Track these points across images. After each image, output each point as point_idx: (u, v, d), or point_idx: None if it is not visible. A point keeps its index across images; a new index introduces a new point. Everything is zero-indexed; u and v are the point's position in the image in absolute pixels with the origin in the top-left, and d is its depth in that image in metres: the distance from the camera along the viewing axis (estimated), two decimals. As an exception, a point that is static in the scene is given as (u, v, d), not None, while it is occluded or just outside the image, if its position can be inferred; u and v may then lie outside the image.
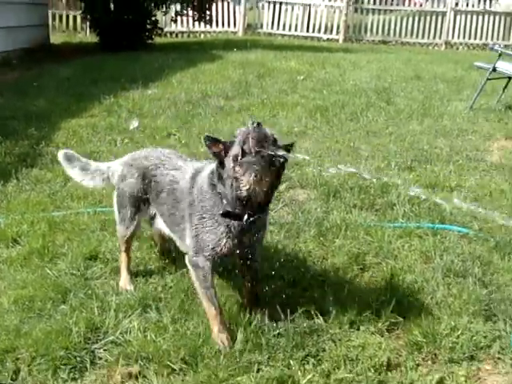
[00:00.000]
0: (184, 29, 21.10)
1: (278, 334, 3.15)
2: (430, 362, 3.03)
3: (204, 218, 3.13)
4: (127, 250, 3.75)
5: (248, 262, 3.32)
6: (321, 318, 3.28)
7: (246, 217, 2.98)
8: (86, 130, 7.26)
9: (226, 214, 3.01)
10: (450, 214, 4.72)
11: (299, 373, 2.87)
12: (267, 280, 3.58)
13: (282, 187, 5.26)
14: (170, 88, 9.99)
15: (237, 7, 21.69)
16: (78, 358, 2.96)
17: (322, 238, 4.22)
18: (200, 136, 6.80)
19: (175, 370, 2.92)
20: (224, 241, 3.09)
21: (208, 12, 18.36)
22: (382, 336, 3.22)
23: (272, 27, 21.78)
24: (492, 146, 7.11)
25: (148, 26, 16.18)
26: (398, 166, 5.90)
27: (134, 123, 7.43)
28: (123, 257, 3.73)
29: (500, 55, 9.24)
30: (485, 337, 3.18)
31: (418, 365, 3.01)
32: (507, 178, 5.75)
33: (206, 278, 3.15)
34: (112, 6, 15.17)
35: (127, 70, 11.32)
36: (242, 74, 11.43)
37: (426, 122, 8.08)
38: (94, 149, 6.47)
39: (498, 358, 3.08)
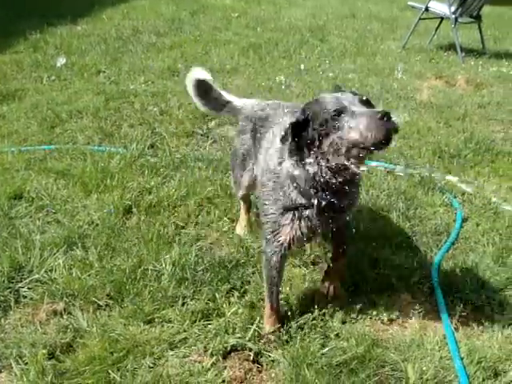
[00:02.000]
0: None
1: (205, 268, 3.17)
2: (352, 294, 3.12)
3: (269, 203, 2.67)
4: (245, 203, 3.58)
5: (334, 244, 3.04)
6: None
7: (315, 202, 2.50)
8: (10, 66, 7.01)
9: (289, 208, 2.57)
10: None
11: (224, 305, 2.90)
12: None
13: (211, 124, 5.23)
14: (100, 24, 9.68)
15: None
16: (2, 297, 2.93)
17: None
18: (130, 73, 6.67)
19: (101, 305, 2.93)
20: (293, 233, 2.62)
21: None
22: (307, 268, 3.28)
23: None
24: (422, 84, 7.18)
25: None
26: (328, 103, 5.90)
27: (61, 60, 7.19)
28: (242, 205, 3.61)
29: (433, -5, 9.28)
30: (406, 268, 3.28)
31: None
32: (435, 116, 5.86)
33: (271, 271, 2.75)
34: None
35: (54, 5, 10.86)
36: (175, 11, 11.16)
37: (358, 61, 8.10)
38: (18, 86, 6.25)
39: (418, 288, 3.20)
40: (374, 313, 2.97)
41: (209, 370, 2.56)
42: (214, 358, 2.63)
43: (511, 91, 7.22)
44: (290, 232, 2.60)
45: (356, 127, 2.22)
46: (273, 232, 2.64)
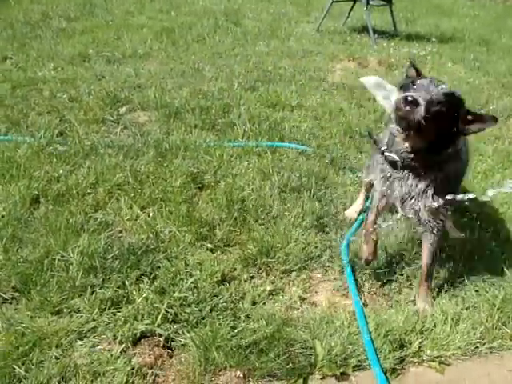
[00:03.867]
0: None
1: (114, 256, 3.10)
2: (264, 274, 3.13)
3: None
4: (366, 191, 3.78)
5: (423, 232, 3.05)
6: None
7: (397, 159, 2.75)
8: None
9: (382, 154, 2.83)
10: (290, 132, 4.81)
11: (134, 292, 2.85)
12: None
13: (122, 110, 5.13)
14: (6, 8, 9.31)
15: None
16: None
17: (161, 159, 4.15)
18: (38, 59, 6.45)
19: (7, 299, 2.82)
20: (379, 188, 3.02)
21: None
22: (221, 252, 3.27)
23: None
24: (335, 66, 7.28)
25: None
26: (240, 86, 5.89)
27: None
28: (362, 190, 3.81)
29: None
30: (316, 247, 3.33)
31: (252, 277, 3.10)
32: (346, 97, 5.94)
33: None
34: None
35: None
36: (87, -6, 10.84)
37: (272, 44, 8.10)
38: None
39: (328, 266, 3.24)
40: (285, 292, 2.99)
41: (118, 357, 2.51)
42: (124, 345, 2.58)
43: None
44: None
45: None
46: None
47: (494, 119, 2.68)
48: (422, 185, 2.79)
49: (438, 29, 10.68)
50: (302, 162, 4.31)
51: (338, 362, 2.55)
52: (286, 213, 3.60)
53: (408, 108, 2.45)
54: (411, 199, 2.85)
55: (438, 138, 2.61)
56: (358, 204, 3.80)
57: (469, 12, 13.79)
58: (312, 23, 9.77)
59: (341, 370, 2.53)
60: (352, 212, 3.75)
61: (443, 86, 2.58)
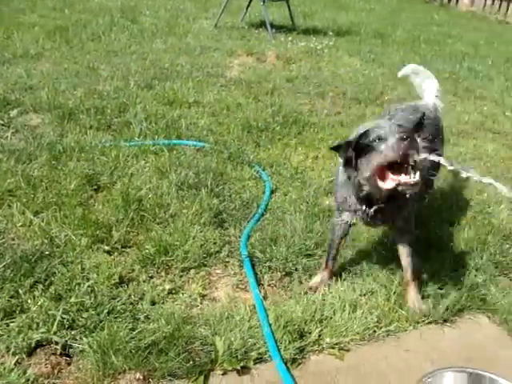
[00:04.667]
0: None
1: (6, 265, 2.98)
2: (163, 273, 3.09)
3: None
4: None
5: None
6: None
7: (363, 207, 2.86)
8: None
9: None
10: (187, 129, 4.77)
11: (29, 300, 2.75)
12: None
13: (13, 113, 4.94)
14: None
15: None
16: None
17: (54, 162, 4.02)
18: None
19: None
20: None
21: None
22: (119, 254, 3.21)
23: None
24: (233, 62, 7.29)
25: None
26: (137, 84, 5.79)
27: None
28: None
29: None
30: (215, 243, 3.32)
31: (151, 277, 3.05)
32: (244, 92, 5.96)
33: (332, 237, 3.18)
34: None
35: None
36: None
37: (170, 41, 8.03)
38: None
39: (227, 262, 3.24)
40: (185, 290, 2.97)
41: (12, 370, 2.40)
42: (18, 356, 2.47)
43: (317, 65, 7.56)
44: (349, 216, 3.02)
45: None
46: (339, 210, 3.07)
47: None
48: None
49: (335, 23, 10.92)
50: (199, 158, 4.29)
51: (239, 356, 2.55)
52: (184, 210, 3.57)
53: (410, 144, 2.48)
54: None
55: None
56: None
57: (365, 6, 14.20)
58: (210, 19, 9.75)
59: (241, 364, 2.53)
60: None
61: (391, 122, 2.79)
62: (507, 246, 3.69)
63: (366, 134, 2.66)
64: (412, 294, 3.07)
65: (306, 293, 3.03)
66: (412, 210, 3.04)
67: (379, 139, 2.56)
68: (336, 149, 2.80)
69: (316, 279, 3.16)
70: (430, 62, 8.62)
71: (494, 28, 13.72)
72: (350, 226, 3.11)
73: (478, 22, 14.34)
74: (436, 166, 3.13)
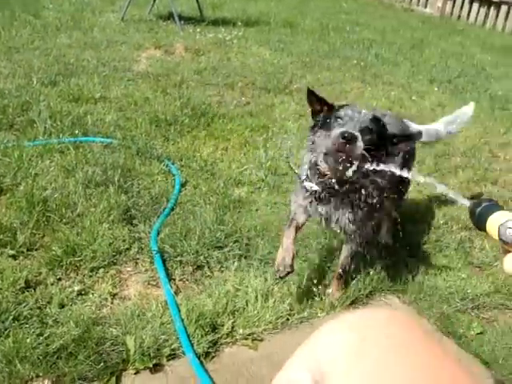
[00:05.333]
0: None
1: None
2: (72, 274, 3.02)
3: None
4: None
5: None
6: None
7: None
8: None
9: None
10: (94, 125, 4.67)
11: None
12: None
13: None
14: None
15: None
16: None
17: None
18: None
19: None
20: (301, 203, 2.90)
21: None
22: (24, 257, 3.11)
23: None
24: (141, 55, 7.16)
25: None
26: (40, 81, 5.60)
27: None
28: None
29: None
30: (124, 240, 3.26)
31: (59, 279, 2.98)
32: (152, 86, 5.88)
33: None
34: None
35: None
36: None
37: (75, 35, 7.79)
38: None
39: (138, 259, 3.20)
40: (95, 290, 2.91)
41: None
42: None
43: (226, 55, 7.54)
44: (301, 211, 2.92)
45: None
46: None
47: (419, 135, 2.96)
48: (346, 202, 2.79)
49: (245, 13, 10.91)
50: (107, 155, 4.20)
51: (151, 354, 2.53)
52: (91, 209, 3.49)
53: (348, 145, 2.40)
54: (336, 216, 2.84)
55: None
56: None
57: (274, -4, 14.26)
58: (117, 12, 9.53)
59: (154, 362, 2.51)
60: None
61: (365, 112, 2.62)
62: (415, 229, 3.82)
63: (341, 107, 2.67)
64: (333, 289, 3.11)
65: (216, 286, 3.02)
66: (370, 219, 2.96)
67: (338, 120, 2.58)
68: (310, 94, 2.75)
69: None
70: (339, 50, 8.79)
71: (399, 15, 14.05)
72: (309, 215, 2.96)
73: (384, 9, 14.64)
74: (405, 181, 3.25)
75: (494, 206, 0.99)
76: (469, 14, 14.09)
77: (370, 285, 3.20)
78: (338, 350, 0.53)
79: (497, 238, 0.90)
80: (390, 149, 2.73)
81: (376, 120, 2.65)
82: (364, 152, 2.45)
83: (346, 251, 3.07)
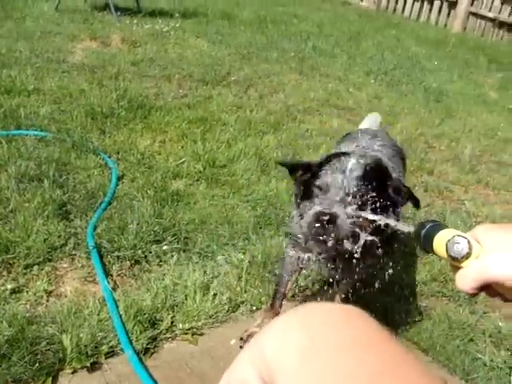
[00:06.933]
0: None
1: None
2: (5, 273, 2.92)
3: None
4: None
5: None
6: None
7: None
8: None
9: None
10: (27, 118, 4.53)
11: None
12: None
13: None
14: None
15: None
16: None
17: None
18: None
19: None
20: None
21: None
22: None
23: None
24: (76, 46, 7.00)
25: None
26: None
27: None
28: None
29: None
30: (59, 236, 3.18)
31: (-9, 278, 2.87)
32: (88, 78, 5.75)
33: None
34: None
35: None
36: None
37: (6, 25, 7.55)
38: None
39: (74, 255, 3.12)
40: (29, 288, 2.83)
41: None
42: None
43: (163, 47, 7.46)
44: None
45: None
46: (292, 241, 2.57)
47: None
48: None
49: (182, 4, 10.81)
50: (41, 148, 4.07)
51: (89, 352, 2.48)
52: (25, 204, 3.39)
53: (328, 226, 1.94)
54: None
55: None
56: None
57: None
58: (51, 2, 9.29)
59: (91, 360, 2.46)
60: None
61: (353, 163, 2.10)
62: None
63: (327, 160, 2.20)
64: None
65: (155, 281, 2.98)
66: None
67: (317, 190, 2.12)
68: (284, 165, 2.44)
69: (257, 322, 2.78)
70: (277, 42, 8.82)
71: (337, 8, 14.21)
72: (302, 268, 2.70)
73: (321, 2, 14.76)
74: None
75: (439, 226, 0.98)
76: (404, 8, 14.36)
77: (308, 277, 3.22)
78: (287, 349, 0.52)
79: (445, 255, 0.90)
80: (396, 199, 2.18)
81: (371, 171, 2.11)
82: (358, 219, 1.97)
83: (341, 290, 2.88)
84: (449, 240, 0.89)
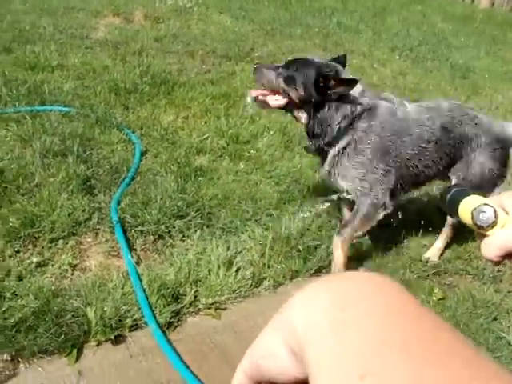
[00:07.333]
0: None
1: None
2: (30, 246, 2.95)
3: None
4: None
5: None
6: None
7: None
8: None
9: None
10: (51, 94, 4.55)
11: None
12: None
13: None
14: None
15: None
16: None
17: None
18: None
19: None
20: None
21: None
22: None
23: None
24: (99, 22, 7.01)
25: None
26: (-8, 48, 5.43)
27: None
28: None
29: None
30: (83, 210, 3.19)
31: (17, 251, 2.90)
32: (111, 54, 5.75)
33: None
34: None
35: None
36: None
37: (30, 1, 7.57)
38: None
39: (98, 229, 3.13)
40: (54, 262, 2.85)
41: None
42: None
43: (186, 23, 7.42)
44: None
45: None
46: None
47: (355, 81, 2.78)
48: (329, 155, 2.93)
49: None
50: (65, 124, 4.09)
51: (113, 325, 2.49)
52: (50, 179, 3.41)
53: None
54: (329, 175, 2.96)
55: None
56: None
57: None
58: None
59: (116, 333, 2.48)
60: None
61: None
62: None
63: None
64: (334, 245, 3.04)
65: (178, 255, 2.99)
66: (365, 173, 2.90)
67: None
68: None
69: None
70: (301, 18, 8.72)
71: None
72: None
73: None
74: None
75: (464, 191, 0.96)
76: (430, -17, 14.10)
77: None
78: (317, 317, 0.50)
79: (471, 223, 0.88)
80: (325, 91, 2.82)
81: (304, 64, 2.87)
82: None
83: (354, 209, 3.01)
84: (474, 208, 0.87)
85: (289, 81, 2.83)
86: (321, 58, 3.02)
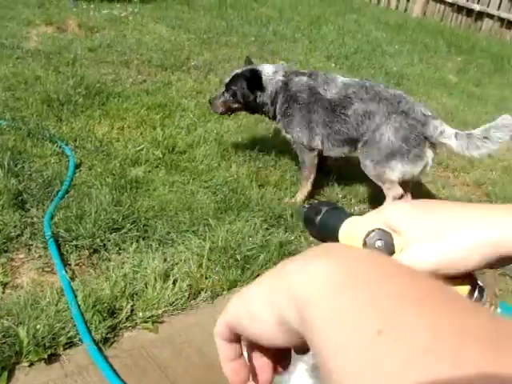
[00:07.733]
0: None
1: None
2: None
3: None
4: None
5: None
6: None
7: None
8: None
9: None
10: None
11: None
12: None
13: None
14: None
15: None
16: None
17: None
18: None
19: None
20: None
21: None
22: None
23: None
24: (31, 32, 6.82)
25: None
26: None
27: None
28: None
29: None
30: (15, 226, 3.10)
31: None
32: (43, 64, 5.61)
33: None
34: None
35: None
36: None
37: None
38: None
39: (31, 245, 3.05)
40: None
41: None
42: None
43: (121, 33, 7.32)
44: None
45: None
46: None
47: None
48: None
49: (140, -12, 10.64)
50: (-6, 137, 3.98)
51: (46, 344, 2.43)
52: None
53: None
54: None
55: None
56: None
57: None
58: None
59: (49, 352, 2.41)
60: None
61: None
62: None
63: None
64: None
65: (113, 269, 2.94)
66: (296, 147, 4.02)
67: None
68: None
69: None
70: (237, 27, 8.73)
71: (297, -8, 14.17)
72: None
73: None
74: None
75: (337, 213, 0.82)
76: (364, -8, 14.36)
77: (270, 260, 3.21)
78: (321, 279, 0.50)
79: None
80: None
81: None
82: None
83: None
84: (367, 235, 0.73)
85: (233, 98, 3.98)
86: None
